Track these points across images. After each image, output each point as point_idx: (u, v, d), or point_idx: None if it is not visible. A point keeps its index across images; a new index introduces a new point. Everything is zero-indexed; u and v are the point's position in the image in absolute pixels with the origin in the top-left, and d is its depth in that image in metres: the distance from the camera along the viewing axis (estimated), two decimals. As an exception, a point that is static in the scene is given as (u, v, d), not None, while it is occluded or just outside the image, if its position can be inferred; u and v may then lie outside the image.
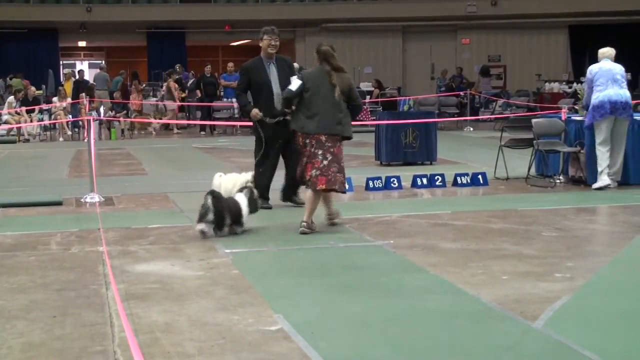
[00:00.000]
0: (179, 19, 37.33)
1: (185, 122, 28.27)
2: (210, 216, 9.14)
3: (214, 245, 8.84)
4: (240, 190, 9.85)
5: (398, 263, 8.03)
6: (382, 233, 9.49)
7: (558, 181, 13.22)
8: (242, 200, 9.56)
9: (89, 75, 36.35)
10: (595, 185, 12.57)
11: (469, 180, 13.22)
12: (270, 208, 11.11)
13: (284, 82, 10.54)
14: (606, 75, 12.68)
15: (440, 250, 8.54)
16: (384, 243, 8.88)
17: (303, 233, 9.37)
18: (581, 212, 10.80)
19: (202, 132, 27.08)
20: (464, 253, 8.36)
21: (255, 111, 10.99)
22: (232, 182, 10.69)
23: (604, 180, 12.51)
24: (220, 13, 37.60)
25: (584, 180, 12.93)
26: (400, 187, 12.71)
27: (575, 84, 29.21)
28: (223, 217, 9.22)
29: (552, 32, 37.12)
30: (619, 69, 12.80)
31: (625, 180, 12.77)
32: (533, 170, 13.65)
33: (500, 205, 11.26)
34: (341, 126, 9.59)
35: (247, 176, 10.58)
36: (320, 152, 9.53)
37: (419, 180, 13.11)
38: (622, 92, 12.63)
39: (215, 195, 9.33)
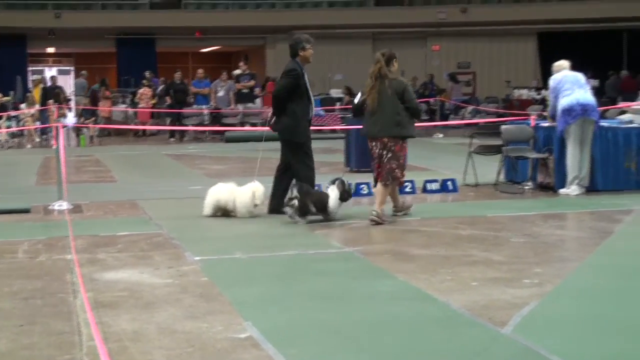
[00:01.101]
0: (148, 25, 37.23)
1: (156, 127, 28.18)
2: (295, 202, 10.35)
3: (183, 252, 8.81)
4: (333, 182, 10.83)
5: (367, 269, 8.03)
6: (352, 239, 9.50)
7: (527, 187, 13.29)
8: (333, 191, 10.65)
9: (67, 83, 36.14)
10: (562, 191, 12.64)
11: (438, 187, 13.26)
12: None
13: (311, 90, 11.27)
14: (572, 80, 12.86)
15: (409, 256, 8.55)
16: (354, 249, 8.88)
17: (371, 221, 10.34)
18: (549, 219, 10.86)
19: (172, 139, 27.00)
20: (433, 259, 8.38)
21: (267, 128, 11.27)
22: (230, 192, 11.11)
23: (573, 189, 12.59)
24: (190, 19, 37.55)
25: (553, 186, 13.00)
26: (370, 193, 12.71)
27: (544, 91, 29.37)
28: (306, 205, 10.41)
29: (521, 39, 37.37)
30: (580, 76, 12.98)
31: (592, 186, 12.86)
32: (502, 177, 13.71)
33: (469, 212, 11.30)
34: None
35: (255, 186, 11.10)
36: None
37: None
38: (589, 96, 12.83)
39: (300, 186, 10.45)
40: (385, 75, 10.64)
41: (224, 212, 11.11)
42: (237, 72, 27.88)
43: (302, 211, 10.44)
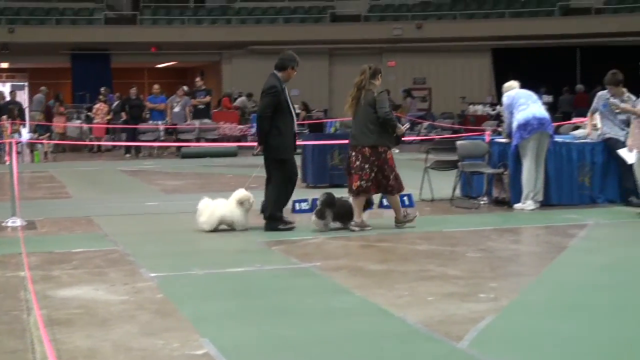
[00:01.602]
0: (103, 41, 37.05)
1: (111, 143, 28.00)
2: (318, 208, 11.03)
3: (138, 269, 8.75)
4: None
5: (324, 285, 8.02)
6: (309, 255, 9.49)
7: (482, 202, 13.37)
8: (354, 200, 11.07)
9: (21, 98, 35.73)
10: (517, 206, 12.73)
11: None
12: (292, 229, 11.14)
13: (293, 105, 11.42)
14: (525, 96, 13.05)
15: (366, 272, 8.56)
16: (311, 265, 8.87)
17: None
18: (505, 233, 10.93)
19: (128, 155, 26.85)
20: (390, 275, 8.39)
21: (260, 149, 11.18)
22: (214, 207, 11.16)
23: (528, 204, 12.69)
24: (146, 35, 37.43)
25: (508, 201, 13.09)
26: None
27: (498, 107, 29.60)
28: (323, 212, 10.92)
29: (476, 55, 37.66)
30: (532, 93, 13.14)
31: (547, 201, 12.96)
32: (458, 192, 13.78)
33: (425, 227, 11.34)
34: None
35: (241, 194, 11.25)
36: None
37: (345, 202, 13.12)
38: (544, 110, 13.05)
39: (326, 194, 11.09)
40: (363, 87, 11.03)
41: (228, 225, 11.19)
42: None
43: (320, 215, 10.96)
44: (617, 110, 12.63)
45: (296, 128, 11.46)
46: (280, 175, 11.17)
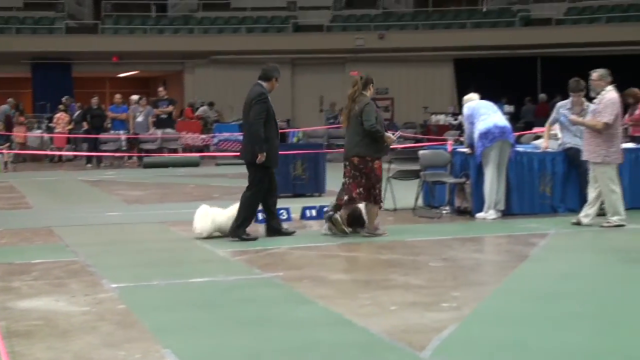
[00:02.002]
0: (65, 50, 36.76)
1: (72, 153, 27.79)
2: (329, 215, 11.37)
3: (99, 280, 8.69)
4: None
5: (287, 295, 8.01)
6: (272, 265, 9.47)
7: (444, 212, 13.43)
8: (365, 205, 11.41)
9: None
10: (479, 215, 12.79)
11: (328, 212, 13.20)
12: (256, 239, 11.16)
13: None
14: (486, 106, 13.15)
15: (329, 281, 8.56)
16: (273, 275, 8.86)
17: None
18: (467, 242, 10.97)
19: (89, 165, 26.66)
20: (353, 284, 8.40)
21: (262, 157, 11.00)
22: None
23: (490, 213, 12.76)
24: (107, 44, 37.20)
25: (470, 210, 13.15)
26: (289, 218, 12.70)
27: (460, 116, 29.74)
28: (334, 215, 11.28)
29: (438, 65, 37.79)
30: (492, 103, 13.29)
31: (508, 210, 13.04)
32: (420, 201, 13.83)
33: (388, 236, 11.35)
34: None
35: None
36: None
37: (308, 212, 13.14)
38: (504, 120, 13.16)
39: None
40: (355, 99, 11.26)
41: (222, 232, 11.27)
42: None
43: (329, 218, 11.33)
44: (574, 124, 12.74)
45: (278, 138, 11.54)
46: (261, 183, 11.18)
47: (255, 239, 11.10)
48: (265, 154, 11.01)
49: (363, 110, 11.17)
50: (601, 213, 12.75)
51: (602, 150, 11.72)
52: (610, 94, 11.83)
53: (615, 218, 11.83)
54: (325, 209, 11.95)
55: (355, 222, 11.47)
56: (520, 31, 36.51)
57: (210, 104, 33.53)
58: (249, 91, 11.47)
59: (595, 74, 12.04)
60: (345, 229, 11.30)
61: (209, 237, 11.12)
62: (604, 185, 11.84)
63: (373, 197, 11.23)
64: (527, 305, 7.55)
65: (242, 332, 6.63)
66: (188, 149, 27.88)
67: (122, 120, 27.09)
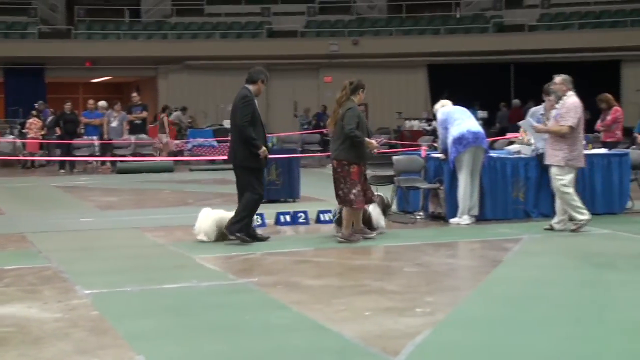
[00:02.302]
0: (37, 55, 36.57)
1: (45, 158, 27.63)
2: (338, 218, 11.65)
3: (72, 286, 8.64)
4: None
5: (262, 301, 8.00)
6: (246, 271, 9.46)
7: (418, 217, 13.46)
8: (375, 209, 11.79)
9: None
10: (453, 220, 12.83)
11: (332, 217, 13.28)
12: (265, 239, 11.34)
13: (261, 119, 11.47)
14: (460, 111, 13.21)
15: (303, 287, 8.55)
16: (248, 281, 8.85)
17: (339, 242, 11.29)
18: (441, 248, 11.00)
19: (62, 171, 26.51)
20: (327, 290, 8.40)
21: (264, 150, 11.22)
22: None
23: (464, 219, 12.80)
24: (80, 49, 37.06)
25: (444, 216, 13.18)
26: (263, 224, 12.68)
27: (434, 122, 29.81)
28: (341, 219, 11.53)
29: (412, 71, 37.92)
30: (465, 109, 13.37)
31: (482, 215, 13.09)
32: (394, 207, 13.84)
33: (362, 242, 11.36)
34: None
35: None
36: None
37: (282, 217, 13.13)
38: (478, 125, 13.24)
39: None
40: (342, 103, 11.41)
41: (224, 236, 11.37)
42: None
43: (339, 222, 11.60)
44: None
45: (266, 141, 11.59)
46: (254, 183, 11.27)
47: (249, 241, 11.15)
48: (265, 149, 11.25)
49: (344, 115, 11.28)
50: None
51: (565, 153, 11.77)
52: (571, 99, 11.91)
53: (580, 217, 11.86)
54: (332, 213, 12.27)
55: (365, 225, 11.66)
56: (494, 37, 36.71)
57: (183, 109, 33.47)
58: (236, 95, 11.50)
59: (558, 78, 12.13)
60: None
61: (216, 240, 11.26)
62: (557, 188, 11.89)
63: (349, 202, 11.27)
64: (501, 310, 7.58)
65: (216, 338, 6.62)
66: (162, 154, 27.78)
67: (96, 125, 26.95)
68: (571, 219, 12.30)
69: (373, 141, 11.61)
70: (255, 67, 12.00)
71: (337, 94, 11.54)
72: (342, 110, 11.37)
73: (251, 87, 11.44)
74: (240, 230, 11.15)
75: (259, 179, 11.38)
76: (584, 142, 12.38)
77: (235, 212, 11.23)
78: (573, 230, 11.87)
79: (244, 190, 11.30)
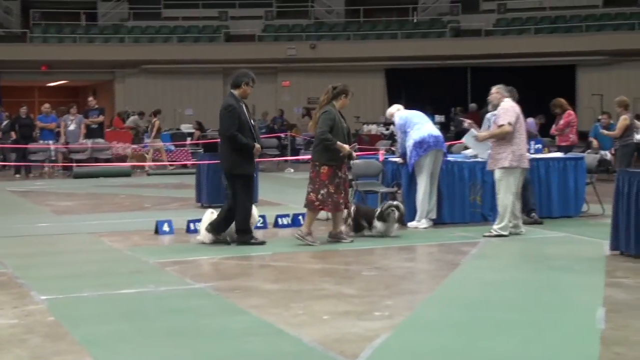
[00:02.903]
0: (-8, 59, 36.26)
1: (0, 163, 27.35)
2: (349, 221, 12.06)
3: (28, 291, 8.56)
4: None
5: (220, 305, 7.98)
6: (204, 275, 9.43)
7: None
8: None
9: None
10: (411, 224, 12.88)
11: (290, 221, 13.30)
12: (263, 243, 11.37)
13: (251, 121, 11.54)
14: (419, 115, 13.27)
15: (262, 291, 8.54)
16: (206, 285, 8.81)
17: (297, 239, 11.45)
18: (399, 251, 11.04)
19: (17, 175, 26.24)
20: (285, 294, 8.39)
21: (258, 146, 11.35)
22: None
23: (423, 222, 12.86)
24: (36, 53, 36.77)
25: (402, 219, 13.20)
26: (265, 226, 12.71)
27: (392, 126, 29.90)
28: (359, 222, 12.17)
29: (370, 75, 38.03)
30: (422, 113, 13.47)
31: (440, 219, 13.15)
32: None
33: (320, 246, 11.37)
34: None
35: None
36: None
37: (240, 221, 13.09)
38: (436, 129, 13.31)
39: (356, 207, 12.34)
40: (322, 107, 11.64)
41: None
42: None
43: (356, 228, 12.08)
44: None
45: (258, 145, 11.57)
46: (243, 190, 11.31)
47: (262, 243, 11.35)
48: (259, 146, 11.40)
49: (319, 118, 11.49)
50: (531, 222, 12.96)
51: (508, 154, 11.85)
52: (505, 103, 12.03)
53: (502, 224, 11.94)
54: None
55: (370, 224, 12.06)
56: (451, 42, 36.95)
57: (141, 114, 33.23)
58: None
59: (494, 88, 12.34)
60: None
61: (212, 242, 11.39)
62: (498, 190, 11.98)
63: (309, 203, 11.48)
64: (458, 313, 7.61)
65: (173, 343, 6.59)
66: (119, 158, 27.61)
67: (51, 129, 26.74)
68: (532, 222, 12.45)
69: (345, 146, 11.57)
70: (239, 69, 11.95)
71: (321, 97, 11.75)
72: (319, 114, 11.55)
73: (236, 92, 11.47)
74: (250, 239, 11.34)
75: (249, 186, 11.45)
76: (528, 145, 12.51)
77: (237, 226, 11.36)
78: (486, 236, 11.92)
79: (233, 197, 11.39)
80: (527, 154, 12.33)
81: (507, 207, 11.87)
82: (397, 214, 11.91)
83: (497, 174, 11.96)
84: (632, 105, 22.30)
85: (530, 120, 24.55)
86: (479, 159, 13.73)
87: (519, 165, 11.90)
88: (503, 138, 11.86)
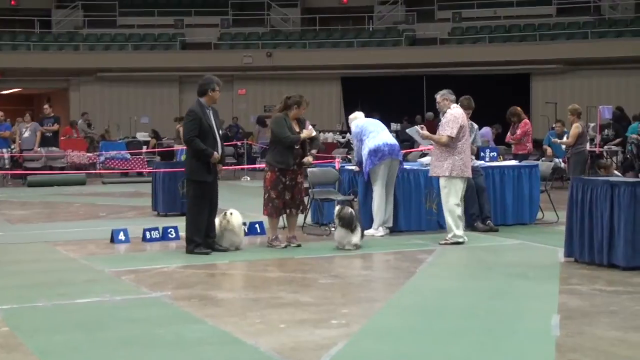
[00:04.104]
0: (-55, 66, 35.86)
1: None
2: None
3: (-18, 302, 8.46)
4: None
5: (176, 315, 7.95)
6: (160, 284, 9.38)
7: (333, 229, 13.47)
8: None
9: None
10: (368, 232, 12.90)
11: (246, 230, 13.25)
12: (208, 254, 11.18)
13: (218, 128, 11.59)
14: (375, 124, 13.32)
15: (218, 300, 8.52)
16: (162, 295, 8.77)
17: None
18: (356, 259, 11.06)
19: (-30, 184, 25.95)
20: (242, 302, 8.38)
21: (216, 155, 11.28)
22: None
23: (379, 231, 12.90)
24: (-11, 60, 36.40)
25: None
26: (177, 237, 12.60)
27: (348, 134, 29.98)
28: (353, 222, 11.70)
29: (326, 83, 38.08)
30: (379, 121, 13.47)
31: (396, 227, 13.20)
32: (309, 219, 13.88)
33: (277, 254, 11.37)
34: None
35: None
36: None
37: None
38: (392, 138, 13.36)
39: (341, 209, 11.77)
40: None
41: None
42: None
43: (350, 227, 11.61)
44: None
45: (220, 151, 11.50)
46: (195, 197, 11.34)
47: (207, 253, 11.20)
48: (217, 155, 11.29)
49: (271, 124, 12.00)
50: (486, 229, 13.06)
51: (449, 164, 11.95)
52: (452, 110, 12.12)
53: (455, 232, 12.03)
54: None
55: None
56: (406, 50, 37.10)
57: (89, 125, 32.55)
58: None
59: (438, 95, 12.40)
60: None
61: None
62: (444, 198, 12.08)
63: (264, 207, 11.80)
64: (415, 321, 7.65)
65: (128, 353, 6.55)
66: (74, 167, 27.39)
67: (5, 137, 26.46)
68: (488, 229, 12.57)
69: (302, 134, 11.89)
70: (204, 76, 11.97)
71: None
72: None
73: (203, 100, 11.48)
74: (195, 248, 11.23)
75: (203, 194, 11.33)
76: (470, 153, 12.61)
77: (186, 234, 11.42)
78: (442, 244, 11.99)
79: (187, 203, 11.51)
80: (471, 163, 12.47)
81: (454, 213, 11.95)
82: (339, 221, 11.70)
83: (441, 182, 12.08)
84: (585, 114, 22.57)
85: (487, 129, 24.75)
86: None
87: (460, 175, 11.99)
88: (444, 146, 11.95)
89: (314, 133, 12.32)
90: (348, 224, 11.55)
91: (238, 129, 33.18)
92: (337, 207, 11.83)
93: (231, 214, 11.53)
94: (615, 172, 20.26)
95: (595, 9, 37.13)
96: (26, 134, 26.10)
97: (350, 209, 11.70)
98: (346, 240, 11.59)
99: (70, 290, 9.09)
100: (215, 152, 11.30)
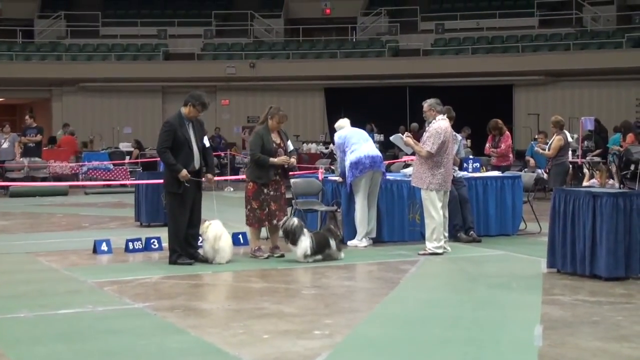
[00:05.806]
0: None
1: None
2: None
3: (-37, 313, 8.42)
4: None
5: (158, 326, 7.92)
6: (143, 295, 9.35)
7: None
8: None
9: None
10: (351, 243, 12.91)
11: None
12: (191, 264, 11.19)
13: (199, 140, 11.54)
14: (358, 135, 13.31)
15: (201, 311, 8.50)
16: (144, 305, 8.74)
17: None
18: (339, 270, 11.05)
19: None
20: (225, 313, 8.37)
21: (184, 173, 11.14)
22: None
23: (362, 242, 12.90)
24: (-29, 71, 36.24)
25: (341, 238, 13.23)
26: (160, 248, 12.55)
27: (332, 145, 30.01)
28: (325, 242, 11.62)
29: (309, 94, 38.11)
30: (363, 131, 13.43)
31: (379, 237, 13.20)
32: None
33: (260, 265, 11.35)
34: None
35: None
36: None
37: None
38: (375, 149, 13.35)
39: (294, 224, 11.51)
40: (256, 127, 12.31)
41: None
42: None
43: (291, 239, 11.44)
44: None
45: (197, 164, 11.47)
46: (172, 207, 11.44)
47: (190, 263, 11.22)
48: (185, 173, 11.14)
49: (250, 140, 12.19)
50: (469, 240, 13.09)
51: (427, 177, 12.00)
52: (437, 123, 12.14)
53: (431, 245, 12.05)
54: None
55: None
56: (389, 61, 37.15)
57: (72, 134, 32.40)
58: None
59: (425, 104, 12.43)
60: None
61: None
62: (425, 210, 12.12)
63: (246, 217, 11.96)
64: (398, 331, 7.65)
65: (112, 364, 6.53)
66: (56, 177, 27.29)
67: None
68: (471, 240, 12.63)
69: (279, 158, 11.84)
70: (197, 89, 12.15)
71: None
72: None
73: (183, 110, 11.54)
74: (177, 258, 11.23)
75: (180, 205, 11.32)
76: (453, 164, 12.65)
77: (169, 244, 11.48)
78: (421, 254, 12.01)
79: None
80: (454, 174, 12.57)
81: (435, 224, 11.97)
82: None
83: (422, 194, 12.12)
84: (568, 125, 22.64)
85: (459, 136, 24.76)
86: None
87: (435, 189, 12.02)
88: (425, 158, 12.00)
89: (291, 160, 12.13)
90: (286, 236, 11.50)
91: (221, 140, 33.15)
92: (283, 219, 11.73)
93: (209, 224, 11.48)
94: (611, 180, 20.44)
95: (577, 20, 37.29)
96: (5, 145, 26.00)
97: (293, 221, 11.52)
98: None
99: (52, 301, 9.05)
100: (183, 170, 11.16)
